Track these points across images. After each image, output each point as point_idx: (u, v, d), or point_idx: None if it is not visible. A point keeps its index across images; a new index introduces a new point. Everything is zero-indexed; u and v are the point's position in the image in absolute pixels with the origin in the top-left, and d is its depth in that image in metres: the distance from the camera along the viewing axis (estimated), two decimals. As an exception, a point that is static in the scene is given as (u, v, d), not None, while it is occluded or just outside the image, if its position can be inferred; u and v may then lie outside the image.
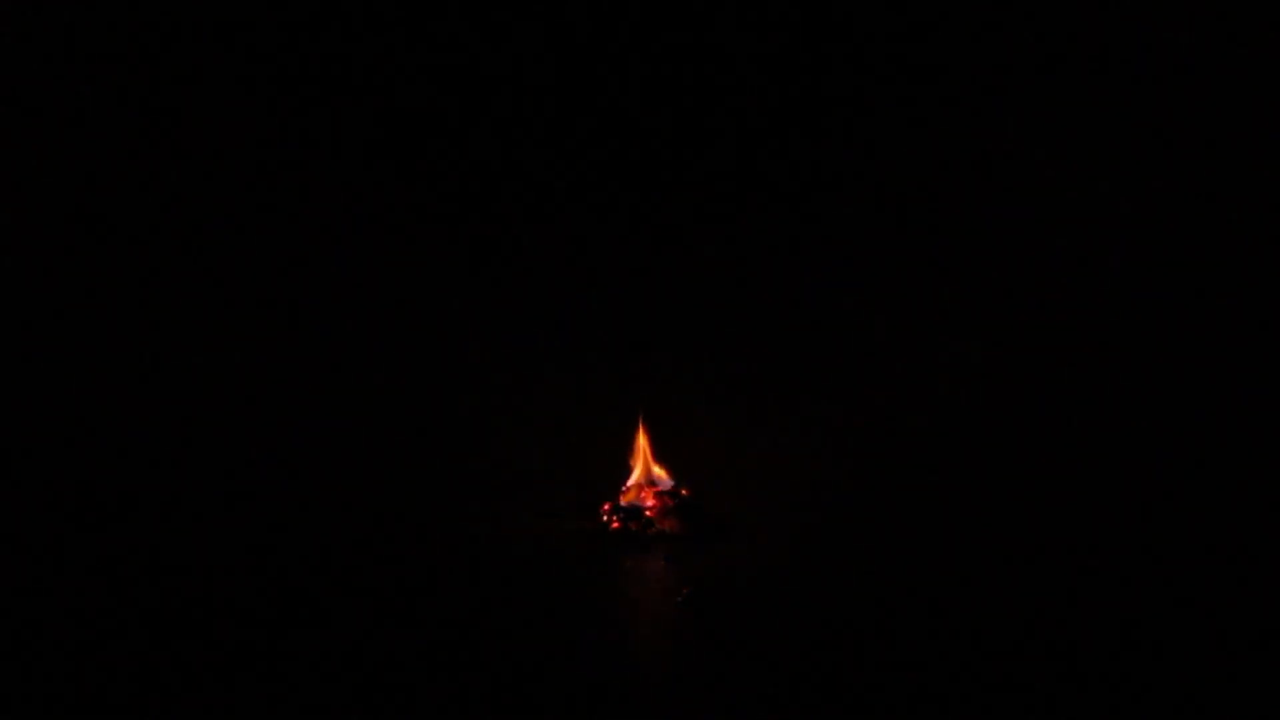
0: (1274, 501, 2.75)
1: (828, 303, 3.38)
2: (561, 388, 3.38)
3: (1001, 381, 3.29)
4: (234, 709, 1.81)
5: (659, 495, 2.81)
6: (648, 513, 2.78)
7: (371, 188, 3.35)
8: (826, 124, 3.31)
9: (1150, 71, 3.16)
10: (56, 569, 2.50)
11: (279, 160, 3.31)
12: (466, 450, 3.30)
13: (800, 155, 3.34)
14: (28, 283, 3.19)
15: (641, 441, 2.96)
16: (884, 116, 3.29)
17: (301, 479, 3.14)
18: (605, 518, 2.79)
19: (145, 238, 3.26)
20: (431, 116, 3.31)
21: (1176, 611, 2.16)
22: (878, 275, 3.36)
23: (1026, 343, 3.29)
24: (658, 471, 2.92)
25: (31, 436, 3.14)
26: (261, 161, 3.29)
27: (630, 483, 2.90)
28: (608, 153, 3.34)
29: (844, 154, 3.33)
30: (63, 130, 3.19)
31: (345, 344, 3.37)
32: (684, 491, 2.83)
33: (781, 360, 3.40)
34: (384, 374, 3.37)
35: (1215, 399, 3.12)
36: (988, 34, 3.22)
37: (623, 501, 2.84)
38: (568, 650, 2.04)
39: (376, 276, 3.37)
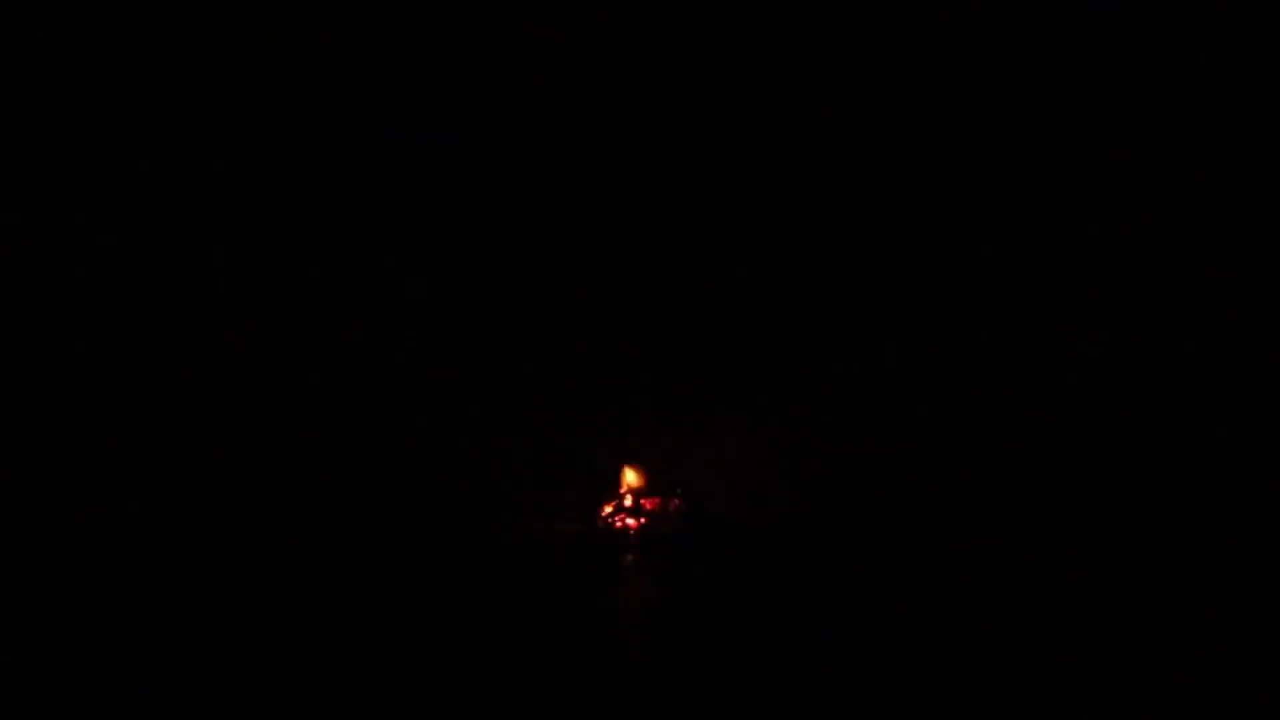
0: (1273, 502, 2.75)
1: (826, 307, 3.38)
2: (562, 389, 3.38)
3: (999, 383, 3.29)
4: (237, 708, 1.82)
5: (654, 498, 2.82)
6: (643, 519, 2.79)
7: (384, 195, 3.35)
8: (822, 128, 3.31)
9: (1149, 74, 3.16)
10: (57, 570, 2.51)
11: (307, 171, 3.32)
12: (466, 452, 3.30)
13: (798, 157, 3.34)
14: (27, 283, 3.20)
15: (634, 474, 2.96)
16: (879, 120, 3.29)
17: (303, 481, 3.15)
18: (605, 519, 2.80)
19: (145, 239, 3.27)
20: (446, 127, 3.32)
21: (1173, 611, 2.16)
22: (876, 276, 3.36)
23: (1025, 343, 3.28)
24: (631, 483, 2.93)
25: (32, 436, 3.15)
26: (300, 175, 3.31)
27: (625, 488, 2.91)
28: (610, 163, 3.35)
29: (841, 156, 3.33)
30: (61, 130, 3.19)
31: (349, 350, 3.37)
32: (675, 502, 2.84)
33: (780, 363, 3.39)
34: (386, 376, 3.37)
35: (1215, 399, 3.11)
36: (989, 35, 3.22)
37: (623, 497, 2.85)
38: (567, 649, 2.04)
39: (381, 285, 3.38)
